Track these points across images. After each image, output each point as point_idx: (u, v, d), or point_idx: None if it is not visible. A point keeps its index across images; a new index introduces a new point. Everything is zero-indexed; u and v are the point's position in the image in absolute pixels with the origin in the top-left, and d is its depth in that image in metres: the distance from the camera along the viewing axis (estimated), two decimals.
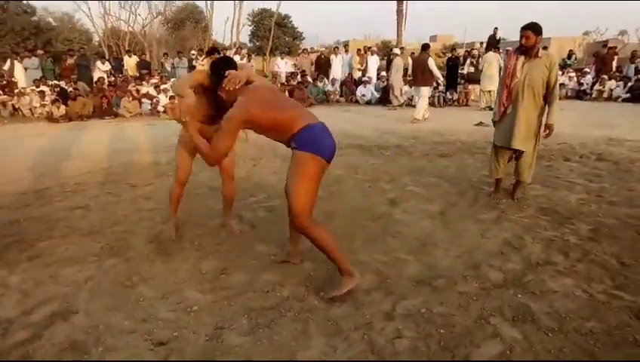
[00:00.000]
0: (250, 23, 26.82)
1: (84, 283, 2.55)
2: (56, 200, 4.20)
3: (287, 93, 11.49)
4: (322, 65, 13.70)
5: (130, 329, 2.11)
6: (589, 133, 6.84)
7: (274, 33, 23.72)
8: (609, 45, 15.07)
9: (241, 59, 13.33)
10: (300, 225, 2.27)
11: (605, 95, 11.87)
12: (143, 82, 11.79)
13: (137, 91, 11.24)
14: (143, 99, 10.89)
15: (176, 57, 13.56)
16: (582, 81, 12.75)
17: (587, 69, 13.19)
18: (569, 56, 15.85)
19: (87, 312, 2.25)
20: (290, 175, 2.27)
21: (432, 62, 8.76)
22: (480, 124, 7.95)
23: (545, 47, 13.48)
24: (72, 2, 37.71)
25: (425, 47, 9.09)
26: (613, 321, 2.08)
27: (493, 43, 13.95)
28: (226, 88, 2.38)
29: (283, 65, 13.90)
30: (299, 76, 12.89)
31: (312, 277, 2.57)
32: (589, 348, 1.90)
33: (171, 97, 10.45)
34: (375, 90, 12.36)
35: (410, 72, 10.03)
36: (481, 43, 14.82)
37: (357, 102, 12.32)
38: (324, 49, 16.65)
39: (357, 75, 13.04)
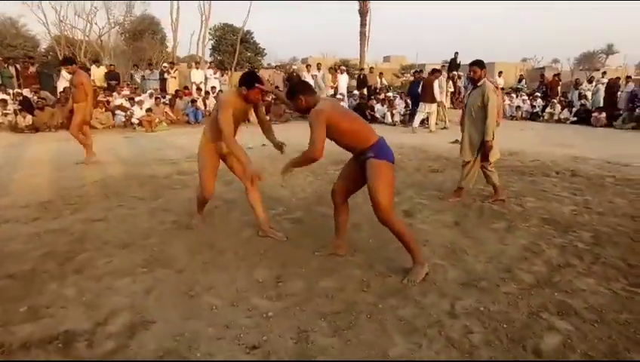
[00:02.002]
0: (211, 37, 26.65)
1: (146, 294, 2.56)
2: (66, 213, 4.09)
3: (263, 108, 11.58)
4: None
5: (217, 335, 2.18)
6: (554, 152, 7.51)
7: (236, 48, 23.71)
8: (546, 71, 16.50)
9: (214, 74, 13.32)
10: (386, 218, 2.70)
11: (555, 117, 13.01)
12: (114, 93, 11.45)
13: (108, 102, 10.91)
14: (117, 111, 10.57)
15: (147, 69, 13.27)
16: (534, 104, 13.89)
17: (538, 93, 14.40)
18: (519, 81, 17.21)
19: (166, 321, 2.29)
20: (374, 179, 2.67)
21: (436, 85, 10.28)
22: (456, 141, 8.48)
23: (500, 72, 14.76)
24: (20, 6, 35.43)
25: (434, 72, 10.61)
26: None
27: (454, 66, 14.91)
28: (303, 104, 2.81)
29: None
30: None
31: (366, 282, 2.75)
32: (632, 335, 2.21)
33: (148, 110, 10.26)
34: (348, 107, 12.78)
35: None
36: (443, 65, 15.73)
37: None
38: (295, 66, 16.92)
39: (329, 92, 13.39)
